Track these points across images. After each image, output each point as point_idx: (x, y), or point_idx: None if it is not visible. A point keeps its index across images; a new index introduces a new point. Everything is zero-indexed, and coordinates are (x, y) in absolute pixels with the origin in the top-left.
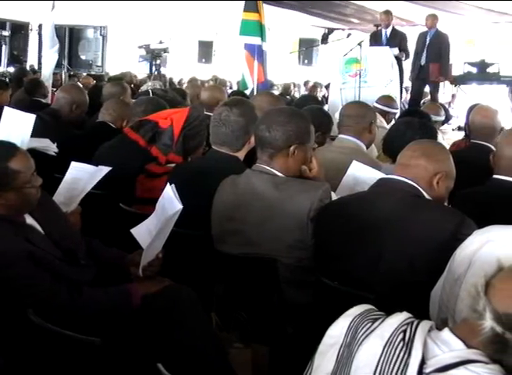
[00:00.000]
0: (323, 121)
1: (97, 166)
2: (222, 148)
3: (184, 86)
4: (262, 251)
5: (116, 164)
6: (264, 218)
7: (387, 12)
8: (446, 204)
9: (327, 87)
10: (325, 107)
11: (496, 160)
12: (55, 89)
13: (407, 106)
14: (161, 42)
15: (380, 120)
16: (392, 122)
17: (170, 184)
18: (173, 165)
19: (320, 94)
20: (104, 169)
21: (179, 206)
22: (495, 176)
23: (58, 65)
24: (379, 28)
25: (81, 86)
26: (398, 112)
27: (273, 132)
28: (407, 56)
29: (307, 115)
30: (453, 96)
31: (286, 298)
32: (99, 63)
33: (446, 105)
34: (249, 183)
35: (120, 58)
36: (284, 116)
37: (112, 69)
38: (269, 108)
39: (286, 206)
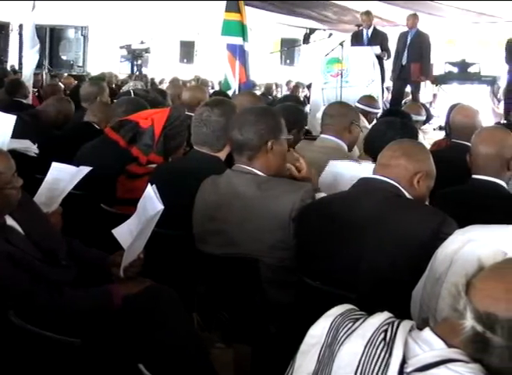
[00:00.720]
0: (297, 118)
1: (78, 166)
2: (203, 149)
3: (165, 86)
4: (244, 251)
5: (97, 164)
6: (246, 218)
7: (368, 13)
8: (427, 203)
9: (309, 87)
10: (307, 107)
11: (473, 160)
12: (35, 89)
13: (388, 106)
14: (142, 42)
15: (362, 120)
16: (374, 121)
17: (151, 185)
18: (154, 165)
19: (302, 94)
20: (84, 170)
21: (160, 207)
22: (473, 176)
23: (39, 65)
24: (361, 28)
25: (63, 87)
26: (380, 112)
27: (246, 134)
28: (389, 56)
29: (275, 109)
30: (435, 96)
31: (268, 298)
32: (80, 63)
33: (428, 105)
34: (230, 183)
35: (102, 58)
36: (253, 116)
37: (94, 69)
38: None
39: (268, 206)
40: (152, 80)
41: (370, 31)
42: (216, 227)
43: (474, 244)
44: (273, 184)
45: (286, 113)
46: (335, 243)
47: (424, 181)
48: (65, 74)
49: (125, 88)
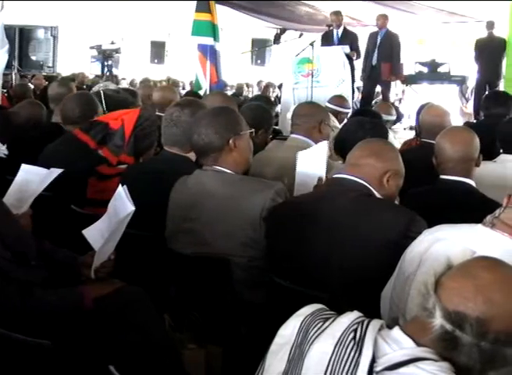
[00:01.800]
0: (264, 117)
1: (43, 167)
2: (173, 149)
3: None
4: (214, 251)
5: (64, 165)
6: (217, 217)
7: (337, 13)
8: (397, 202)
9: (280, 87)
10: (278, 107)
11: (440, 161)
12: (5, 90)
13: (358, 106)
14: (112, 43)
15: (332, 120)
16: (345, 121)
17: (122, 186)
18: (124, 166)
19: (273, 95)
20: (55, 172)
21: (131, 208)
22: (441, 176)
23: (9, 66)
24: (331, 28)
25: (32, 87)
26: (350, 112)
27: (206, 137)
28: (359, 56)
29: (228, 107)
30: (403, 92)
31: (240, 298)
32: (50, 64)
33: (397, 102)
34: (200, 182)
35: (72, 58)
36: (208, 118)
37: (64, 69)
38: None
39: (239, 205)
40: (120, 80)
41: (340, 31)
42: (187, 227)
43: (442, 244)
44: (244, 183)
45: (252, 113)
46: (305, 243)
47: (393, 180)
48: (36, 75)
49: (95, 89)
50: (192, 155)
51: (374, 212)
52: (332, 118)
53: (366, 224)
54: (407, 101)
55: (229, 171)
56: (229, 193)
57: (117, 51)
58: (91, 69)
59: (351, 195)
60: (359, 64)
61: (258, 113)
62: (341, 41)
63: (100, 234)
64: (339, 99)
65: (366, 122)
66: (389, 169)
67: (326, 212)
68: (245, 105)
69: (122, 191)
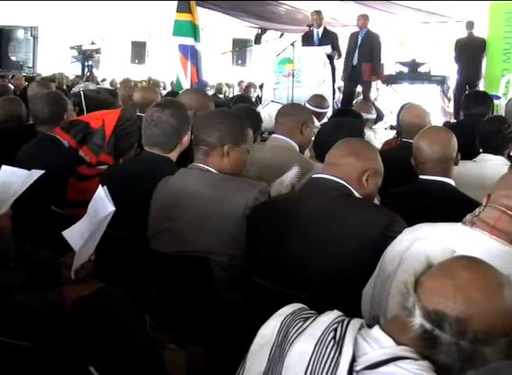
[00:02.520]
0: (252, 119)
1: (18, 167)
2: (154, 149)
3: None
4: (196, 249)
5: (41, 166)
6: (199, 216)
7: (318, 12)
8: (377, 201)
9: (261, 87)
10: (259, 107)
11: (419, 162)
12: None
13: (340, 106)
14: (93, 43)
15: (314, 120)
16: (324, 120)
17: (102, 186)
18: (104, 167)
19: (254, 95)
20: (36, 173)
21: (111, 208)
22: (421, 176)
23: None
24: (311, 28)
25: (12, 88)
26: (329, 111)
27: (207, 130)
28: (339, 56)
29: (244, 119)
30: (377, 89)
31: (220, 297)
32: (30, 64)
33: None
34: (183, 181)
35: (52, 59)
36: (219, 117)
37: (44, 70)
38: (196, 105)
39: (222, 204)
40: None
41: (320, 31)
42: (169, 226)
43: (422, 243)
44: (227, 182)
45: (240, 114)
46: (285, 242)
47: (372, 179)
48: (15, 75)
49: (75, 89)
50: (173, 156)
51: (353, 212)
52: (314, 118)
53: (345, 224)
54: (383, 100)
55: (214, 170)
56: (212, 192)
57: (97, 51)
58: (71, 70)
59: (330, 195)
60: (340, 64)
61: (246, 115)
62: (321, 41)
63: (80, 235)
64: (317, 100)
65: (343, 123)
66: (369, 169)
67: (305, 212)
68: (235, 107)
69: (102, 192)
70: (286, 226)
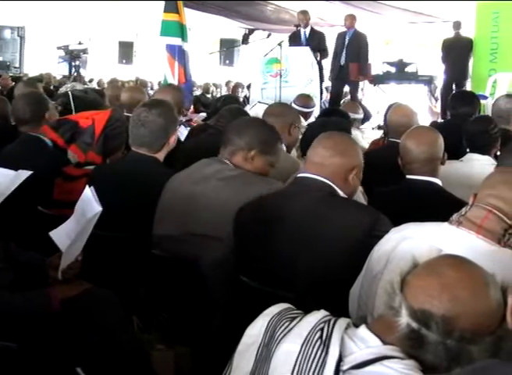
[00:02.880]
0: None
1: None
2: (141, 149)
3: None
4: (204, 232)
5: (25, 167)
6: (206, 206)
7: (304, 12)
8: (365, 201)
9: (248, 87)
10: (247, 107)
11: (406, 162)
12: None
13: (327, 106)
14: (80, 43)
15: (301, 120)
16: (311, 119)
17: (90, 186)
18: (91, 167)
19: (242, 95)
20: (23, 174)
21: (98, 208)
22: (408, 176)
23: None
24: (298, 28)
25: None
26: (317, 111)
27: (239, 133)
28: (326, 56)
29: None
30: (362, 90)
31: (208, 298)
32: (17, 64)
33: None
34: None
35: (39, 59)
36: (255, 123)
37: (31, 70)
38: (173, 101)
39: (231, 197)
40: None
41: (307, 31)
42: (180, 213)
43: (409, 242)
44: (241, 177)
45: (231, 115)
46: (272, 243)
47: (357, 175)
48: (2, 75)
49: (62, 89)
50: (160, 156)
51: (339, 213)
52: (301, 118)
53: (331, 224)
54: (370, 100)
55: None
56: (224, 184)
57: (84, 51)
58: (59, 70)
59: (316, 195)
60: (327, 64)
61: (237, 116)
62: (309, 41)
63: (66, 236)
64: (303, 99)
65: (330, 123)
66: (355, 166)
67: (291, 213)
68: (226, 107)
69: (89, 192)
70: (272, 226)
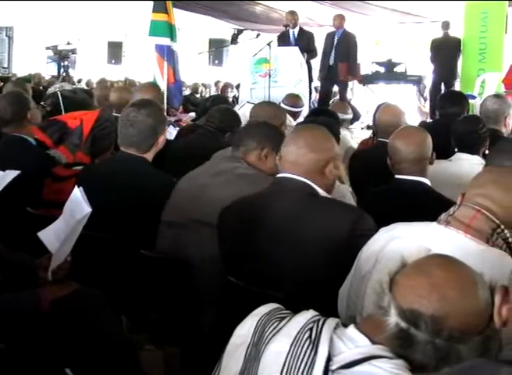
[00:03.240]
0: (232, 120)
1: None
2: (129, 149)
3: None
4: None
5: (10, 167)
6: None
7: (292, 12)
8: (353, 201)
9: (237, 87)
10: (236, 107)
11: (394, 162)
12: None
13: (316, 105)
14: (69, 43)
15: (289, 120)
16: (300, 118)
17: (78, 187)
18: (80, 167)
19: (231, 95)
20: (11, 174)
21: (87, 209)
22: (397, 176)
23: None
24: (287, 28)
25: None
26: (304, 110)
27: (250, 133)
28: (315, 55)
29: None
30: (351, 90)
31: (197, 298)
32: (5, 65)
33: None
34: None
35: (28, 59)
36: (267, 124)
37: (20, 70)
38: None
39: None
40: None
41: (296, 31)
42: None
43: (398, 242)
44: (256, 176)
45: (220, 115)
46: (255, 243)
47: (335, 167)
48: None
49: (51, 90)
50: (149, 156)
51: (319, 213)
52: (289, 118)
53: (312, 226)
54: (359, 100)
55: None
56: (239, 179)
57: (73, 51)
58: (47, 70)
59: (295, 196)
60: (316, 64)
61: (228, 116)
62: (297, 41)
63: (55, 236)
64: (292, 99)
65: (318, 123)
66: (330, 159)
67: (272, 215)
68: (214, 108)
69: (78, 193)
70: (254, 227)
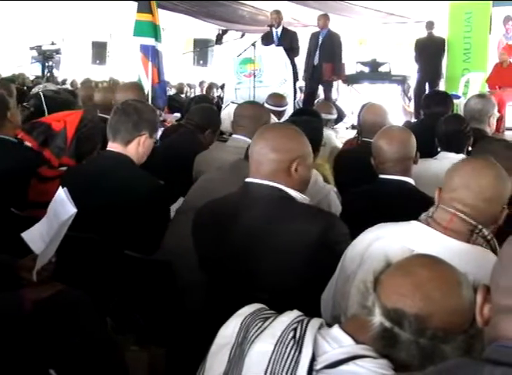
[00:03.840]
0: (212, 118)
1: None
2: (115, 142)
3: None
4: None
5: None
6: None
7: (277, 12)
8: (337, 200)
9: (222, 87)
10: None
11: (378, 162)
12: None
13: (301, 105)
14: (53, 43)
15: (274, 120)
16: (285, 117)
17: (62, 187)
18: (65, 168)
19: (216, 95)
20: None
21: (73, 210)
22: (381, 176)
23: None
24: (271, 28)
25: None
26: (289, 110)
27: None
28: (297, 53)
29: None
30: (337, 90)
31: (182, 299)
32: None
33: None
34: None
35: (12, 59)
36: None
37: (4, 70)
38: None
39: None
40: (63, 81)
41: (279, 31)
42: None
43: (381, 242)
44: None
45: (200, 113)
46: (229, 249)
47: (302, 166)
48: None
49: (35, 90)
50: (131, 151)
51: (289, 219)
52: (274, 118)
53: (284, 232)
54: (344, 100)
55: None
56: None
57: (57, 51)
58: (32, 70)
59: (265, 202)
60: (301, 64)
61: (207, 114)
62: (281, 41)
63: (39, 236)
64: (275, 98)
65: (300, 122)
66: (295, 158)
67: (244, 221)
68: (194, 106)
69: (62, 193)
70: (226, 235)
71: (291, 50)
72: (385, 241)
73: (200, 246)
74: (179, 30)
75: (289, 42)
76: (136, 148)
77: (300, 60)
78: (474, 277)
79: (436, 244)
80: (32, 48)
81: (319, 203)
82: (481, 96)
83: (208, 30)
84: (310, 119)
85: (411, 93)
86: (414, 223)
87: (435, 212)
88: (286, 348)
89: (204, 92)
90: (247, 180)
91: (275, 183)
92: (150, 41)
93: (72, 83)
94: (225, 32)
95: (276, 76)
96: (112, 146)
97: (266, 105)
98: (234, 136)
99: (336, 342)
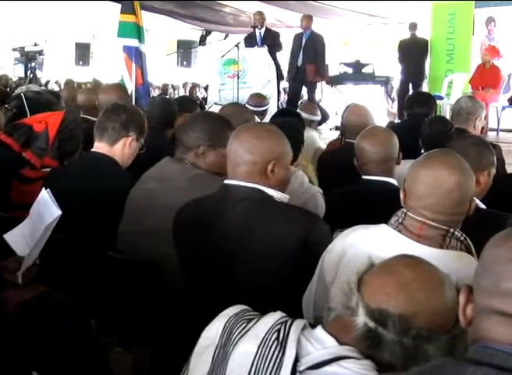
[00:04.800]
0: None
1: None
2: (100, 142)
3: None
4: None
5: None
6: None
7: (260, 13)
8: (321, 199)
9: (206, 88)
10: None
11: (361, 163)
12: None
13: (285, 106)
14: (36, 44)
15: (257, 120)
16: (268, 116)
17: (46, 189)
18: (48, 169)
19: (200, 96)
20: None
21: (57, 212)
22: (364, 177)
23: None
24: (255, 29)
25: None
26: (273, 111)
27: (187, 133)
28: (280, 49)
29: (227, 120)
30: (322, 91)
31: (166, 299)
32: None
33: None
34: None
35: None
36: (199, 118)
37: None
38: (116, 99)
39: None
40: (46, 82)
41: (262, 31)
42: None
43: (361, 243)
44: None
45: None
46: (210, 249)
47: (278, 167)
48: None
49: (17, 91)
50: (116, 151)
51: (270, 222)
52: (257, 119)
53: (264, 235)
54: (328, 101)
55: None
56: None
57: (40, 53)
58: (15, 72)
59: (246, 203)
60: (285, 65)
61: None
62: (264, 41)
63: (23, 238)
64: (256, 99)
65: (280, 123)
66: (270, 159)
67: (225, 221)
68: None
69: (46, 195)
70: (207, 236)
71: (273, 46)
72: (359, 249)
73: (181, 247)
74: (163, 32)
75: (271, 41)
76: (122, 149)
77: (284, 61)
78: (457, 278)
79: (409, 252)
80: (15, 50)
81: (305, 204)
82: (471, 97)
83: (191, 31)
84: (290, 120)
85: (395, 94)
86: (384, 227)
87: (404, 219)
88: (270, 349)
89: (188, 93)
90: (226, 181)
91: (254, 183)
92: (133, 42)
93: (58, 84)
94: (208, 33)
95: (260, 77)
96: (98, 146)
97: (247, 106)
98: None
99: (320, 343)
